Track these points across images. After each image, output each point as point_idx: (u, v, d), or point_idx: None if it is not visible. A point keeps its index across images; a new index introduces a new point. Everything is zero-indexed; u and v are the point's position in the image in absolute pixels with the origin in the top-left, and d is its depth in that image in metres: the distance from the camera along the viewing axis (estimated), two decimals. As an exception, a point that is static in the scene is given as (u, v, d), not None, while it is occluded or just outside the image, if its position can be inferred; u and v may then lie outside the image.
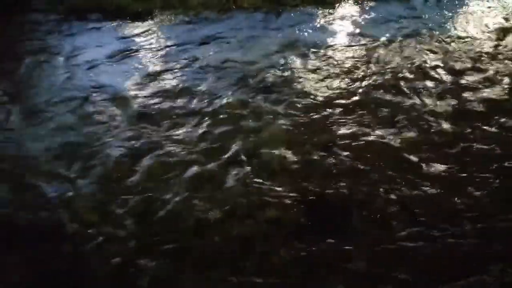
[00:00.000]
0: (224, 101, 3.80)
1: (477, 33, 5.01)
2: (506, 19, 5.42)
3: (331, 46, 4.77)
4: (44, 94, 3.91)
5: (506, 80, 4.11)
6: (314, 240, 2.56)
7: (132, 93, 3.93)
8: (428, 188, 2.92)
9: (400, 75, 4.21)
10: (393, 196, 2.86)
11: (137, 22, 5.01)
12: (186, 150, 3.26)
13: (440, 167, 3.10)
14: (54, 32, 4.67)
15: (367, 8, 5.73)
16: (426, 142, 3.35)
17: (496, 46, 4.74)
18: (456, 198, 2.84)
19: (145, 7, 5.18)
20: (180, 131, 3.46)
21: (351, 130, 3.48)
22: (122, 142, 3.35)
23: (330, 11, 5.58)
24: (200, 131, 3.46)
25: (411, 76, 4.20)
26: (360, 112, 3.69)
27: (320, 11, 5.55)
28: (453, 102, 3.82)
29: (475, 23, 5.26)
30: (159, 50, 4.59)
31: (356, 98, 3.88)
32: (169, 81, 4.10)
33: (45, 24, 4.78)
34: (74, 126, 3.54)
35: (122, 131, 3.47)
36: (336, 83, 4.09)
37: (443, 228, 2.63)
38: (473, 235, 2.59)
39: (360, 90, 3.98)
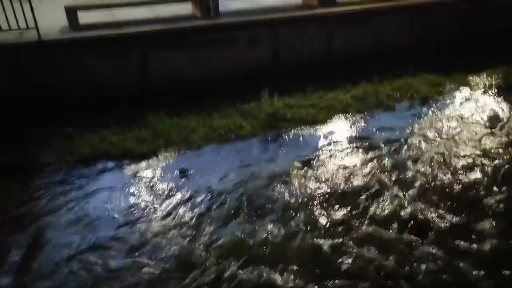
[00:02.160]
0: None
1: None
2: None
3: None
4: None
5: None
6: None
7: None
8: None
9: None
10: None
11: (143, 163, 5.23)
12: None
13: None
14: (63, 184, 4.80)
15: (356, 121, 6.16)
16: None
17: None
18: None
19: (149, 147, 5.45)
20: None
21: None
22: None
23: (323, 128, 6.00)
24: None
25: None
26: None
27: (314, 130, 5.95)
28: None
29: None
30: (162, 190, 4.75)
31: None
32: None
33: (54, 177, 4.92)
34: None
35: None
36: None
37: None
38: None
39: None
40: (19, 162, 5.11)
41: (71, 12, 6.48)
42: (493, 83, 7.32)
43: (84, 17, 6.77)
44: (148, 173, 5.01)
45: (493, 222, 4.09)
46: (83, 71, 6.28)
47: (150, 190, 4.71)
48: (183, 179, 4.86)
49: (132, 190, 4.71)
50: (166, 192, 4.66)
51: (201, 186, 4.74)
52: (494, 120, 6.06)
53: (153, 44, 6.57)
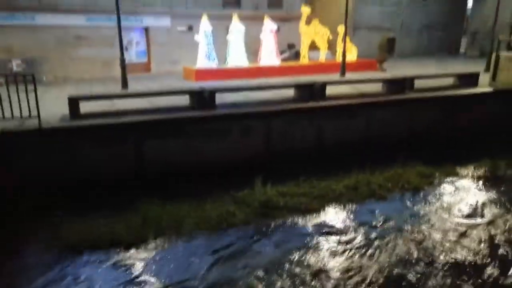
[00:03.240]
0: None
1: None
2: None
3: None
4: None
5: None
6: None
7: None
8: None
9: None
10: None
11: (131, 251, 5.03)
12: None
13: None
14: (45, 276, 4.54)
15: (348, 212, 6.13)
16: None
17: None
18: None
19: (138, 236, 5.28)
20: None
21: None
22: None
23: (315, 219, 5.94)
24: None
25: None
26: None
27: (306, 221, 5.88)
28: None
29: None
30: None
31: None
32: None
33: (37, 268, 4.67)
34: None
35: None
36: None
37: None
38: None
39: None
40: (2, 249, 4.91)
41: (73, 102, 6.76)
42: (481, 175, 7.52)
43: (85, 106, 7.05)
44: (131, 265, 4.79)
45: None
46: (80, 158, 6.35)
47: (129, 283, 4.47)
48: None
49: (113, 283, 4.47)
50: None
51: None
52: (483, 213, 6.12)
53: (149, 133, 6.78)
